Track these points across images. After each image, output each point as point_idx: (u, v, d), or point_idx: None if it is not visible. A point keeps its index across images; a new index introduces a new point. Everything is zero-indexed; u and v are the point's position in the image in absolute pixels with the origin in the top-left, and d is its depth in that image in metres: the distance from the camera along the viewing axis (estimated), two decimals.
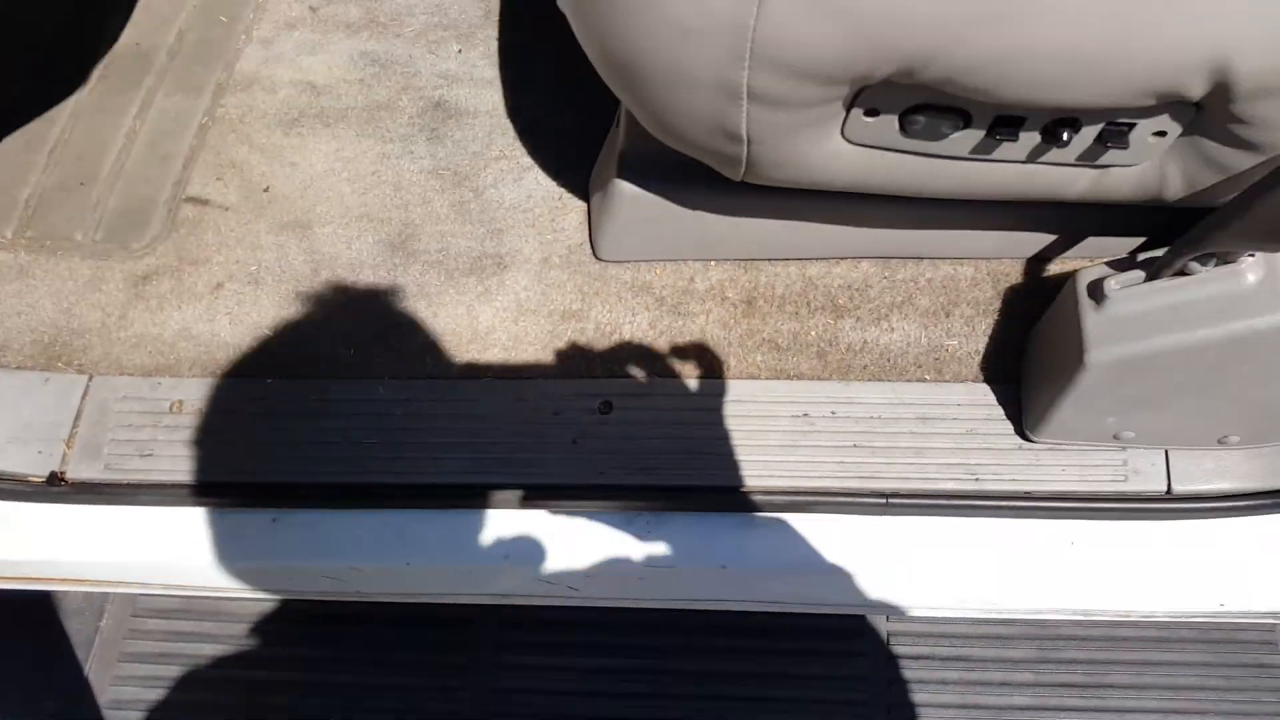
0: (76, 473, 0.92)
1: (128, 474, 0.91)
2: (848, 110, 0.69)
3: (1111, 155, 0.70)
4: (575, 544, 0.88)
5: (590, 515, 0.89)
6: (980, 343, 0.90)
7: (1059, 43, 0.59)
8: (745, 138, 0.69)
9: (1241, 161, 0.68)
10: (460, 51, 1.05)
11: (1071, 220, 0.86)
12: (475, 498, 0.87)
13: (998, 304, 0.90)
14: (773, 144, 0.70)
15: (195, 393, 0.94)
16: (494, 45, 1.06)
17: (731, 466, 0.88)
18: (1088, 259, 0.90)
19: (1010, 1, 0.56)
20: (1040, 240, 0.88)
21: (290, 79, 1.04)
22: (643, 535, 0.88)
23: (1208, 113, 0.64)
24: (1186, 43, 0.59)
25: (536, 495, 0.88)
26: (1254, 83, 0.60)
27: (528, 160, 0.99)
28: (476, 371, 0.92)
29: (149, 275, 0.97)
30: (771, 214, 0.88)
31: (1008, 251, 0.90)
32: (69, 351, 0.96)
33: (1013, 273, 0.90)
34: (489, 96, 1.02)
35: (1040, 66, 0.60)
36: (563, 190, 0.98)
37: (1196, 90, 0.61)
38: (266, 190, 0.99)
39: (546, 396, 0.91)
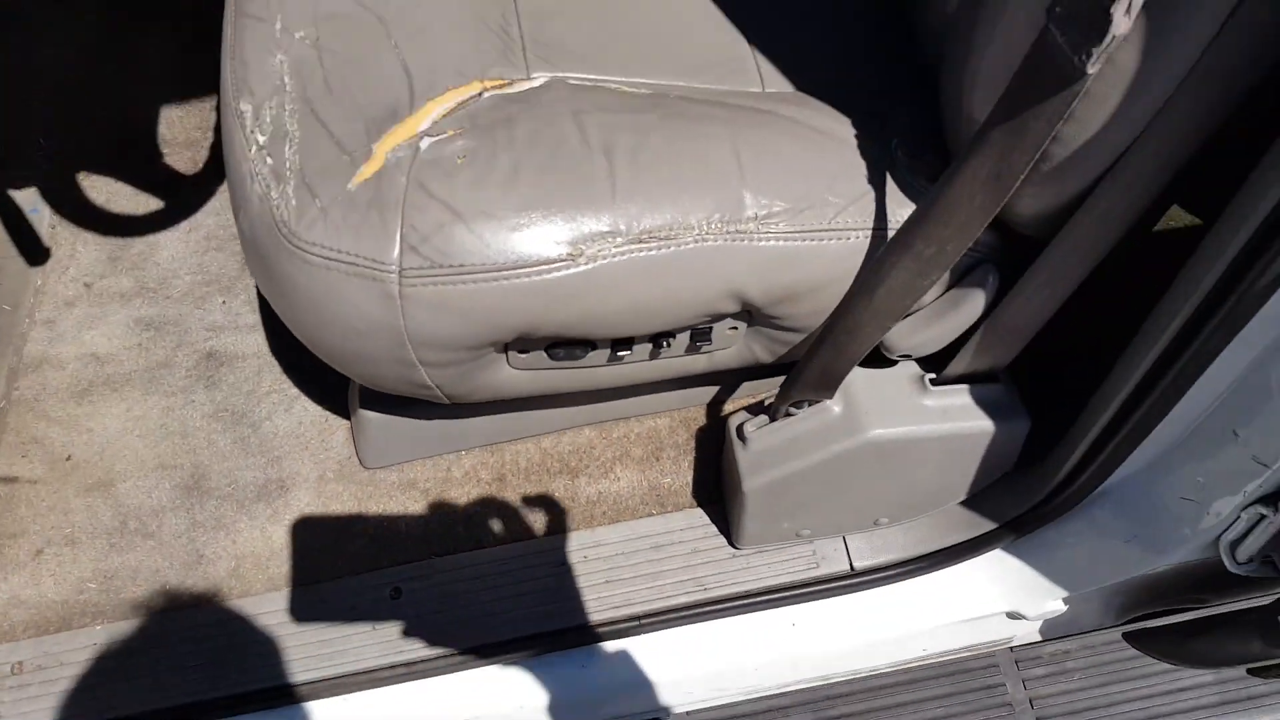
0: None
1: None
2: (505, 353, 0.87)
3: (708, 347, 0.91)
4: (381, 715, 1.03)
5: (393, 683, 1.04)
6: (688, 476, 1.10)
7: (622, 304, 0.79)
8: (433, 385, 0.87)
9: (792, 339, 0.90)
10: (224, 303, 1.21)
11: (722, 377, 1.07)
12: (287, 697, 1.02)
13: (693, 444, 1.10)
14: (457, 383, 0.88)
15: (32, 652, 1.06)
16: (253, 292, 1.22)
17: (510, 622, 1.05)
18: (750, 395, 1.11)
19: (570, 286, 0.76)
20: (710, 391, 1.09)
21: (75, 354, 1.18)
22: (440, 700, 1.04)
23: (755, 315, 0.86)
24: (713, 287, 0.81)
25: (344, 681, 1.03)
26: (763, 300, 0.83)
27: (294, 391, 1.15)
28: (278, 584, 1.06)
29: None
30: (499, 409, 1.06)
31: (690, 402, 1.11)
32: None
33: (699, 417, 1.11)
34: (254, 339, 1.18)
35: (616, 319, 0.81)
36: (328, 413, 1.14)
37: (733, 308, 0.83)
38: (69, 459, 1.12)
39: (343, 593, 1.06)
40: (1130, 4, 0.56)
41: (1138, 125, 0.69)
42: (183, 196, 1.30)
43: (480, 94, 0.81)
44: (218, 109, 1.31)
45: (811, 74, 0.91)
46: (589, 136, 0.79)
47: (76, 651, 1.04)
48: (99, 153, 1.33)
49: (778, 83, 0.91)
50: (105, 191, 1.31)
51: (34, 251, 1.25)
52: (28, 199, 1.29)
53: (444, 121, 0.78)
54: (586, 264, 0.76)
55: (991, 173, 0.68)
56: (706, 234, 0.79)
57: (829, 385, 0.89)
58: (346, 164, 0.76)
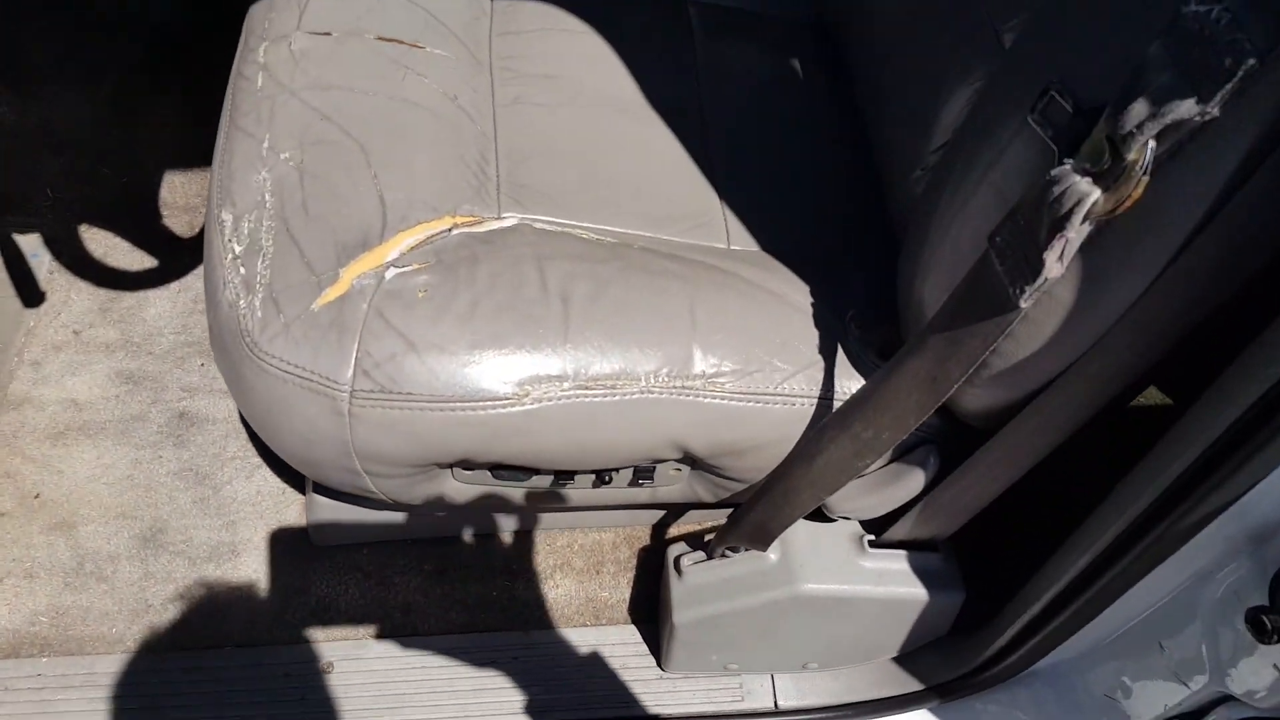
0: None
1: None
2: (450, 469, 0.90)
3: (650, 484, 0.93)
4: None
5: None
6: (626, 593, 1.12)
7: (565, 443, 0.82)
8: (377, 491, 0.90)
9: (735, 486, 0.92)
10: (203, 365, 1.25)
11: (669, 503, 1.09)
12: None
13: (635, 562, 1.13)
14: (400, 492, 0.91)
15: None
16: None
17: (435, 710, 1.06)
18: (695, 523, 1.13)
19: (514, 423, 0.79)
20: (656, 514, 1.12)
21: (57, 397, 1.22)
22: None
23: (698, 462, 0.89)
24: (655, 436, 0.83)
25: None
26: (706, 453, 0.86)
27: (257, 460, 1.18)
28: (218, 641, 1.09)
29: None
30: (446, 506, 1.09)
31: (636, 521, 1.13)
32: None
33: (644, 536, 1.14)
34: (226, 405, 1.22)
35: (559, 456, 0.84)
36: (286, 485, 1.17)
37: (674, 455, 0.86)
38: (37, 496, 1.16)
39: (279, 660, 1.08)
40: (1063, 251, 0.59)
41: (1075, 352, 0.71)
42: (176, 258, 1.35)
43: (450, 229, 0.84)
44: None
45: (778, 235, 0.95)
46: (548, 282, 0.82)
47: (20, 679, 1.07)
48: (102, 208, 1.39)
49: (744, 240, 0.94)
50: (104, 245, 1.36)
51: (30, 294, 1.30)
52: (30, 244, 1.34)
53: (411, 254, 0.82)
54: (532, 404, 0.79)
55: (928, 375, 0.71)
56: (653, 386, 0.81)
57: (763, 540, 0.91)
58: (313, 285, 0.80)
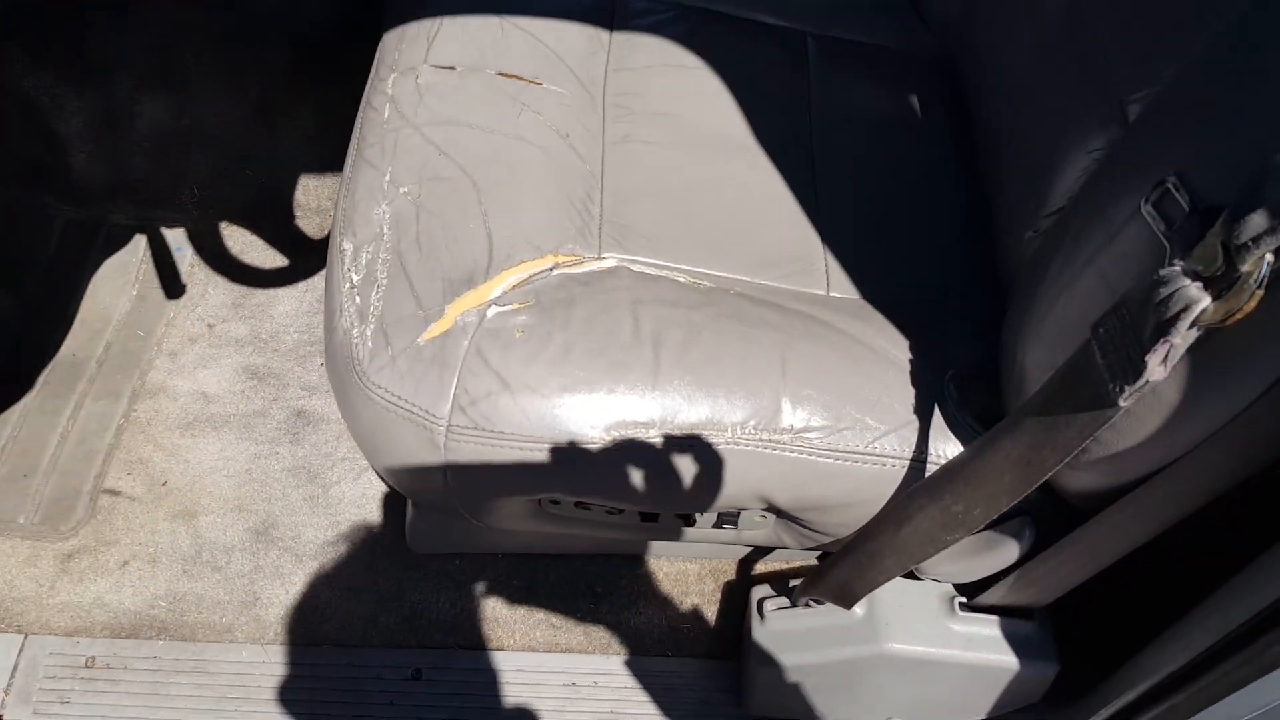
0: (12, 715, 1.17)
1: (50, 719, 1.15)
2: (539, 501, 0.93)
3: (734, 528, 0.94)
4: None
5: None
6: (708, 626, 1.12)
7: (650, 488, 0.83)
8: (467, 514, 0.94)
9: (821, 537, 0.92)
10: (322, 364, 1.31)
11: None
12: None
13: (719, 595, 1.13)
14: (489, 516, 0.94)
15: (104, 651, 1.18)
16: None
17: None
18: (783, 561, 1.13)
19: (601, 464, 0.81)
20: (742, 549, 1.12)
21: (188, 389, 1.31)
22: None
23: (781, 513, 0.88)
24: (740, 488, 0.84)
25: None
26: (790, 507, 0.86)
27: (364, 463, 1.24)
28: (317, 639, 1.15)
29: (73, 554, 1.22)
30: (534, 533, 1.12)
31: (721, 555, 1.13)
32: (9, 615, 1.21)
33: (729, 570, 1.14)
34: None
35: (643, 499, 0.85)
36: (389, 490, 1.22)
37: (759, 506, 0.87)
38: (164, 484, 1.25)
39: (371, 662, 1.14)
40: (1167, 355, 0.56)
41: (1180, 450, 0.67)
42: (305, 258, 1.43)
43: (551, 268, 0.86)
44: None
45: (880, 284, 0.93)
46: (641, 327, 0.83)
47: (139, 660, 1.16)
48: (242, 207, 1.47)
49: (844, 287, 0.93)
50: (241, 242, 1.44)
51: (172, 286, 1.39)
52: (175, 238, 1.44)
53: (513, 293, 0.84)
54: (614, 446, 0.81)
55: (1023, 458, 0.68)
56: (739, 438, 0.82)
57: (847, 600, 0.90)
58: (420, 319, 0.83)
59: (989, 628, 0.95)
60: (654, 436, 0.81)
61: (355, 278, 0.87)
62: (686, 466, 0.82)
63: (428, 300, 0.84)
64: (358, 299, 0.85)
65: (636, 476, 0.82)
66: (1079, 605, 0.95)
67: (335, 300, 0.87)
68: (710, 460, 0.82)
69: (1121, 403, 0.58)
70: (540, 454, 0.81)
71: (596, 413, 0.80)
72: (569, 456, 0.80)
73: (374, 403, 0.82)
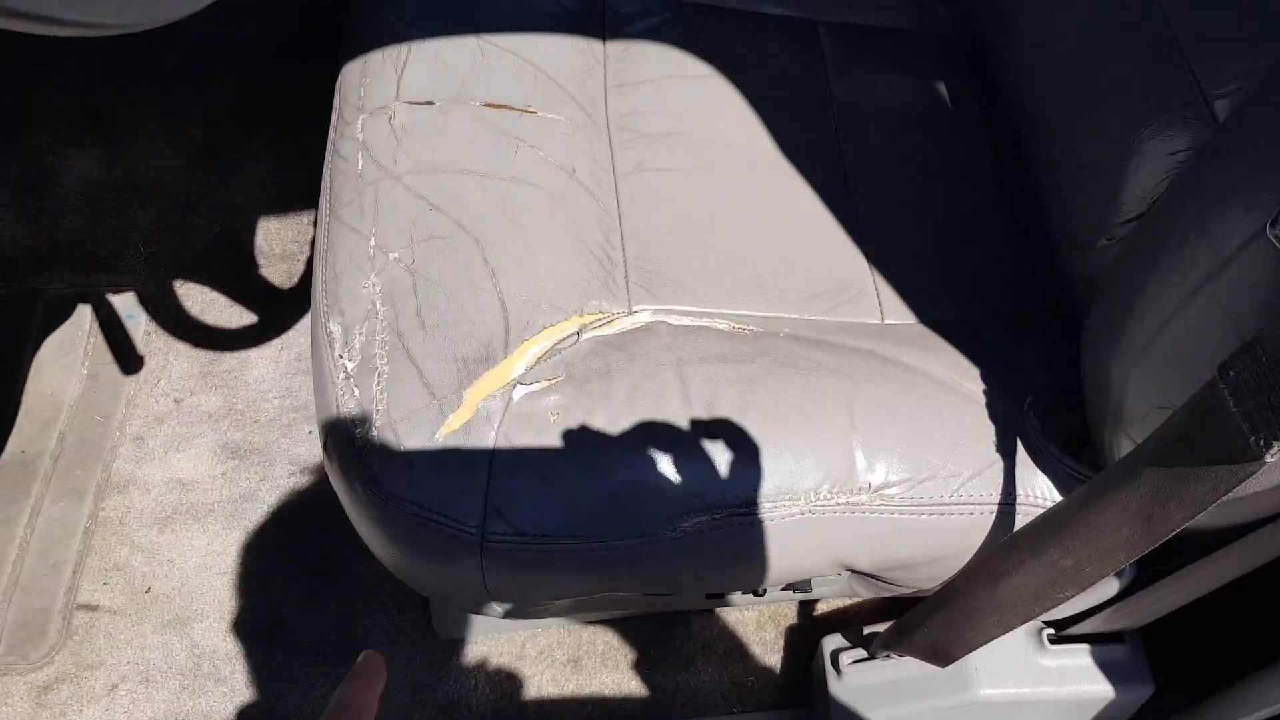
0: None
1: None
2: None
3: (806, 592, 0.85)
4: None
5: None
6: (773, 677, 1.03)
7: (715, 572, 0.74)
8: (508, 617, 0.83)
9: (898, 590, 0.84)
10: (310, 433, 1.19)
11: None
12: None
13: (781, 642, 1.04)
14: (534, 613, 0.84)
15: None
16: None
17: None
18: (848, 598, 1.04)
19: (659, 554, 0.70)
20: None
21: (162, 477, 1.17)
22: None
23: (857, 570, 0.79)
24: (817, 557, 0.76)
25: None
26: (872, 569, 0.78)
27: None
28: None
29: (50, 684, 1.09)
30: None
31: (781, 599, 1.04)
32: None
33: (789, 614, 1.05)
34: None
35: (708, 583, 0.76)
36: None
37: (836, 570, 0.78)
38: (148, 591, 1.12)
39: None
40: None
41: None
42: (276, 311, 1.29)
43: (578, 332, 0.75)
44: (315, 224, 1.28)
45: (936, 303, 0.84)
46: (690, 392, 0.73)
47: None
48: (196, 261, 1.33)
49: (899, 312, 0.83)
50: (200, 301, 1.30)
51: (128, 360, 1.25)
52: (125, 304, 1.29)
53: (539, 368, 0.73)
54: (678, 535, 0.71)
55: (1143, 512, 0.59)
56: (815, 505, 0.72)
57: (942, 659, 0.81)
58: (435, 410, 0.71)
59: (1081, 657, 0.89)
60: (719, 518, 0.71)
61: (349, 366, 0.75)
62: (761, 545, 0.73)
63: (440, 387, 0.72)
64: (356, 392, 0.73)
65: (708, 564, 0.73)
66: (1170, 620, 0.88)
67: (329, 394, 0.75)
68: (786, 535, 0.73)
69: (1269, 458, 0.49)
70: (591, 552, 0.70)
71: (654, 500, 0.70)
72: (631, 554, 0.70)
73: (390, 517, 0.71)
